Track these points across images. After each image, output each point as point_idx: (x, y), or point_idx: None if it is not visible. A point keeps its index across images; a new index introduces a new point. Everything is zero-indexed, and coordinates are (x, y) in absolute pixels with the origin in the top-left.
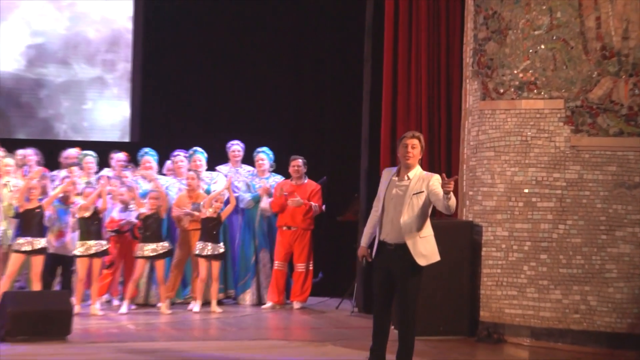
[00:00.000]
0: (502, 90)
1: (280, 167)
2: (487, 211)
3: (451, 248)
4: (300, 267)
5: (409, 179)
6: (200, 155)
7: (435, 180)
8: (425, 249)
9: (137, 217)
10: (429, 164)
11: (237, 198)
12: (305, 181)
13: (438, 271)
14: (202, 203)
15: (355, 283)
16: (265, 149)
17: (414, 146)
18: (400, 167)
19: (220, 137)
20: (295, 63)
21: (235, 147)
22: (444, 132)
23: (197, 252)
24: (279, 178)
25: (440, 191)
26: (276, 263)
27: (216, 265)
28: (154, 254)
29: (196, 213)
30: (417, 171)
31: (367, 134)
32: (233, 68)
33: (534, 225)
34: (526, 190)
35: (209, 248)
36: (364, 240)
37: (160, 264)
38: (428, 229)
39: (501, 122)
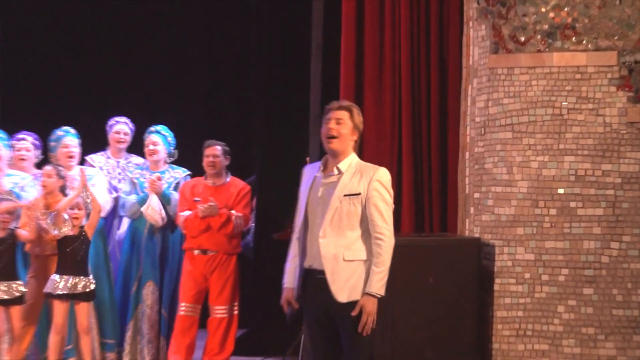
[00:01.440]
0: (523, 39)
1: (192, 159)
2: (501, 223)
3: (446, 280)
4: (219, 311)
5: (339, 172)
6: (71, 138)
7: (380, 181)
8: (348, 278)
9: None
10: (412, 154)
11: (117, 201)
12: (227, 180)
13: (426, 316)
14: (50, 216)
15: (303, 335)
16: (161, 127)
17: (341, 121)
18: (327, 158)
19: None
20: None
21: (120, 128)
22: (434, 102)
23: (47, 289)
24: (180, 173)
25: (379, 209)
26: (182, 306)
27: (83, 310)
28: (7, 297)
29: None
30: (351, 160)
31: (317, 109)
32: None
33: (573, 244)
34: (561, 191)
35: (68, 284)
36: (287, 279)
37: (15, 313)
38: (360, 250)
39: (522, 87)
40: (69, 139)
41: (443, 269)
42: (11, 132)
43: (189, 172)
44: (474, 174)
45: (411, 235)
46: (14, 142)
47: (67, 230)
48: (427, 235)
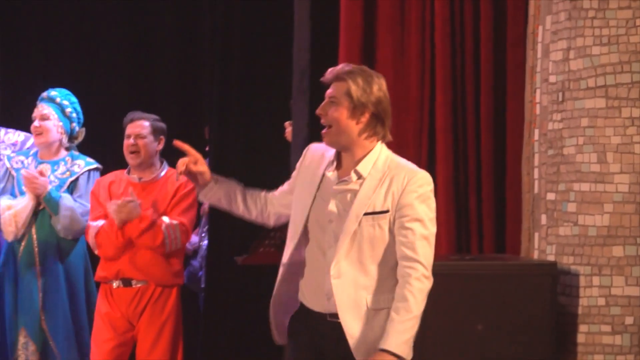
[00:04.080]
0: None
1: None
2: (589, 239)
3: (504, 326)
4: None
5: (359, 177)
6: None
7: (417, 193)
8: (378, 335)
9: None
10: (451, 133)
11: None
12: (162, 174)
13: None
14: None
15: None
16: (58, 92)
17: (334, 100)
18: (339, 152)
19: None
20: None
21: None
22: (485, 53)
23: None
24: (82, 165)
25: (414, 233)
26: None
27: None
28: None
29: None
30: (376, 158)
31: (304, 64)
32: None
33: None
34: None
35: None
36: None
37: None
38: (392, 291)
39: (622, 30)
40: None
41: (499, 310)
42: None
43: (96, 165)
44: (546, 164)
45: (450, 259)
46: None
47: None
48: (474, 258)
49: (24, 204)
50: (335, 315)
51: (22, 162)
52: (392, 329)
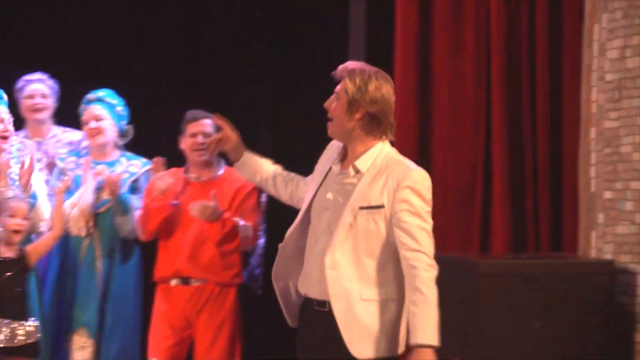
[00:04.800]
0: None
1: (154, 143)
2: None
3: (561, 325)
4: None
5: (356, 171)
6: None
7: (412, 188)
8: (369, 325)
9: None
10: (507, 128)
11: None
12: (220, 172)
13: None
14: None
15: None
16: (105, 93)
17: (337, 95)
18: (346, 147)
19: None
20: None
21: (35, 89)
22: (541, 52)
23: None
24: (139, 165)
25: (412, 227)
26: None
27: None
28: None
29: None
30: (376, 155)
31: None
32: None
33: None
34: None
35: (3, 330)
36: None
37: None
38: (386, 285)
39: None
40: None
41: (557, 308)
42: None
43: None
44: (603, 163)
45: (507, 258)
46: None
47: None
48: (531, 257)
49: (88, 199)
50: (322, 304)
51: (76, 163)
52: (417, 322)
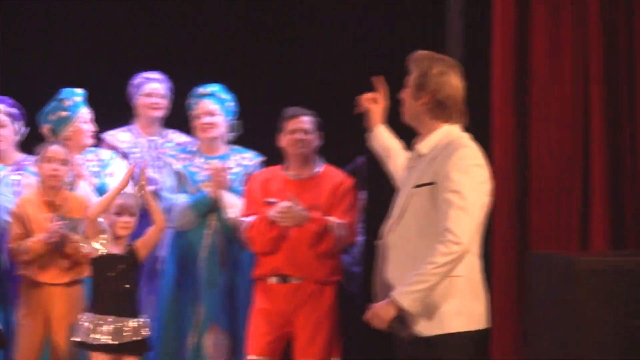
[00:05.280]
0: None
1: (263, 137)
2: None
3: None
4: None
5: (419, 153)
6: (77, 101)
7: (456, 166)
8: (433, 302)
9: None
10: (605, 117)
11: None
12: (319, 170)
13: None
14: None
15: None
16: (216, 88)
17: (407, 82)
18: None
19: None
20: None
21: (153, 88)
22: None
23: (77, 337)
24: (250, 158)
25: (449, 204)
26: None
27: None
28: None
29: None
30: (439, 138)
31: (457, 55)
32: None
33: None
34: None
35: (109, 327)
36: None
37: None
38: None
39: None
40: (85, 109)
41: None
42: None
43: (262, 157)
44: None
45: (606, 255)
46: None
47: (99, 247)
48: (632, 253)
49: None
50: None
51: (189, 160)
52: (406, 280)
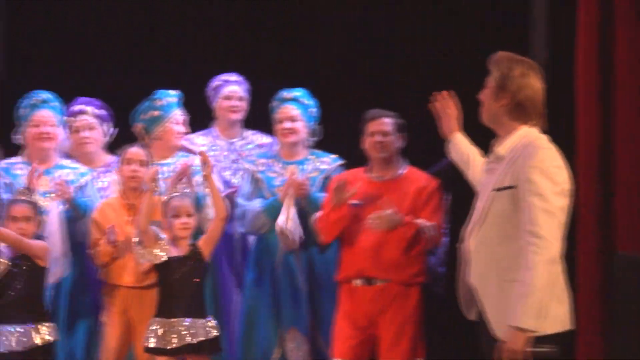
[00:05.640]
0: None
1: (345, 141)
2: None
3: None
4: None
5: (497, 155)
6: (170, 102)
7: (538, 168)
8: (518, 304)
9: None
10: None
11: (233, 205)
12: (402, 172)
13: None
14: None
15: None
16: (299, 93)
17: (486, 83)
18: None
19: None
20: None
21: (232, 91)
22: None
23: (149, 343)
24: (329, 162)
25: (532, 207)
26: None
27: None
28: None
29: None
30: (518, 140)
31: (543, 54)
32: None
33: None
34: None
35: (182, 330)
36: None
37: None
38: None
39: None
40: (177, 110)
41: None
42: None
43: (341, 161)
44: None
45: None
46: (68, 117)
47: (161, 253)
48: None
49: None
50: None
51: (268, 165)
52: (514, 303)
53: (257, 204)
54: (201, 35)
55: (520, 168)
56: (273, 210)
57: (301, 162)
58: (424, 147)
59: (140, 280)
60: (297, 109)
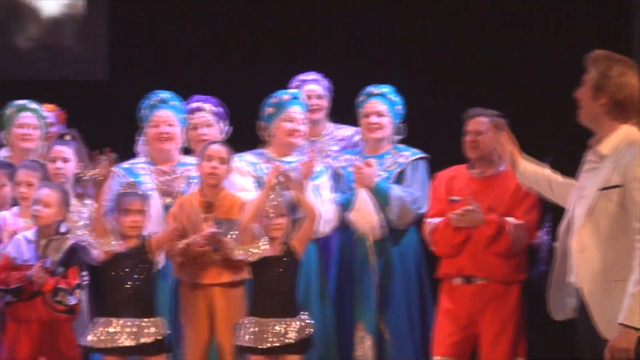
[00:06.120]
0: None
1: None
2: None
3: None
4: None
5: (599, 155)
6: (285, 100)
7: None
8: (619, 305)
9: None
10: None
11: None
12: (503, 168)
13: None
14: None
15: None
16: (386, 89)
17: (583, 82)
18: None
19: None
20: None
21: (311, 90)
22: None
23: (241, 341)
24: (407, 156)
25: (636, 210)
26: None
27: None
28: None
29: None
30: (620, 139)
31: None
32: None
33: None
34: None
35: (276, 328)
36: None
37: None
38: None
39: None
40: (291, 108)
41: None
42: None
43: (422, 154)
44: None
45: None
46: (186, 115)
47: (258, 250)
48: None
49: (364, 199)
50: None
51: (349, 160)
52: (625, 302)
53: (336, 200)
54: (309, 34)
55: (627, 167)
56: (348, 206)
57: (381, 156)
58: (527, 145)
59: (221, 277)
60: (383, 104)
